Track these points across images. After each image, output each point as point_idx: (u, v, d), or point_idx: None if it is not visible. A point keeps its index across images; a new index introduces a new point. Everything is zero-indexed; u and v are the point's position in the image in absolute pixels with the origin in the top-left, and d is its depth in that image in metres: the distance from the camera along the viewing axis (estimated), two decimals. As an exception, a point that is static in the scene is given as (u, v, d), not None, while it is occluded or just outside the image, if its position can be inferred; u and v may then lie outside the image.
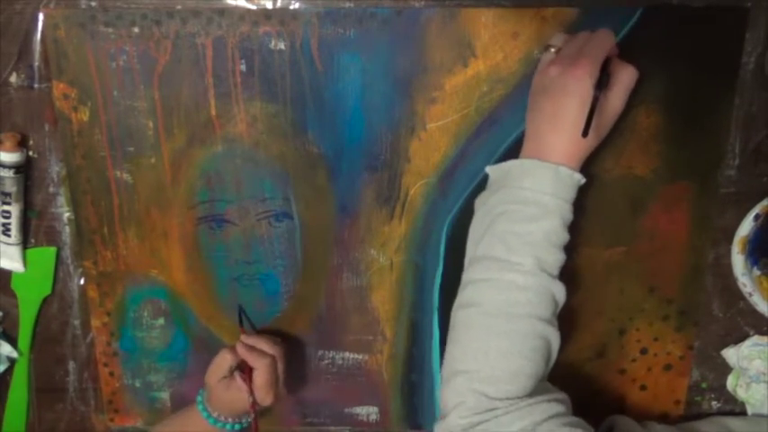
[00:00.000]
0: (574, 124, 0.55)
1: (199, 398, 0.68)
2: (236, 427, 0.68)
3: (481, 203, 0.60)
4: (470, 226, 0.61)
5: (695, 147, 0.65)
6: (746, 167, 0.66)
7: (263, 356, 0.66)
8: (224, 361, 0.66)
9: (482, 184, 0.62)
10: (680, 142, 0.65)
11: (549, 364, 0.59)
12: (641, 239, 0.68)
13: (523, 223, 0.56)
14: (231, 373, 0.66)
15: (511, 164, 0.58)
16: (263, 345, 0.67)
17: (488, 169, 0.61)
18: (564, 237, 0.57)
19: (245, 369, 0.66)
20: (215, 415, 0.67)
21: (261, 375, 0.65)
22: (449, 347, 0.59)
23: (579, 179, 0.57)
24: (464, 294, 0.58)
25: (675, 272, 0.70)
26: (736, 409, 0.75)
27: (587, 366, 0.74)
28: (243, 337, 0.68)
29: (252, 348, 0.67)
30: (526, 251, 0.56)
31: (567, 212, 0.57)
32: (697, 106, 0.64)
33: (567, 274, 0.69)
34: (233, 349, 0.67)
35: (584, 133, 0.54)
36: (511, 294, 0.56)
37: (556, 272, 0.58)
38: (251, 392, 0.65)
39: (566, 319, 0.71)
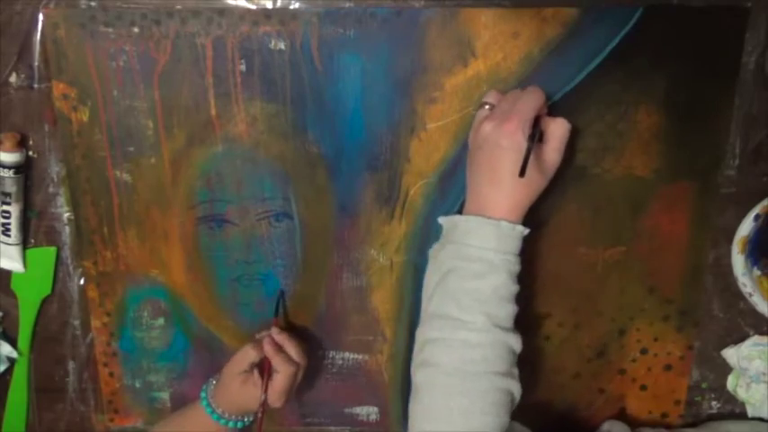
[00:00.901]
0: (510, 178, 0.57)
1: (203, 393, 0.68)
2: (239, 424, 0.68)
3: (433, 256, 0.61)
4: (425, 276, 0.62)
5: (695, 147, 0.65)
6: (746, 167, 0.66)
7: (289, 363, 0.65)
8: (247, 356, 0.66)
9: None
10: (680, 142, 0.65)
11: (512, 410, 0.60)
12: (641, 239, 0.68)
13: (471, 280, 0.57)
14: (252, 369, 0.66)
15: (457, 219, 0.60)
16: (292, 350, 0.67)
17: (440, 220, 0.62)
18: (513, 289, 0.59)
19: (265, 366, 0.65)
20: (219, 411, 0.66)
21: (281, 380, 0.65)
22: (412, 405, 0.59)
23: (522, 231, 0.58)
24: (422, 354, 0.59)
25: (675, 272, 0.70)
26: (736, 409, 0.75)
27: (587, 366, 0.73)
28: (274, 332, 0.67)
29: (279, 349, 0.66)
30: (476, 308, 0.57)
31: (513, 265, 0.58)
32: (697, 106, 0.64)
33: (568, 274, 0.70)
34: (257, 346, 0.66)
35: (521, 173, 0.55)
36: (466, 353, 0.57)
37: (509, 324, 0.59)
38: (265, 391, 0.65)
39: (565, 319, 0.72)
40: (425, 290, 0.62)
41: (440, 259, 0.60)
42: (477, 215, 0.58)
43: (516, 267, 0.59)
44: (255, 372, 0.66)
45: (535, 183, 0.58)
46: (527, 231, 0.59)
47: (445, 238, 0.61)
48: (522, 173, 0.55)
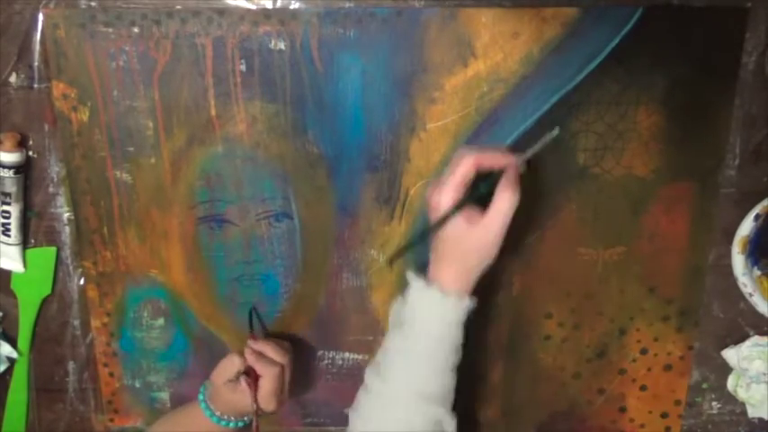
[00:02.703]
0: (449, 252, 0.58)
1: (201, 396, 0.68)
2: (239, 424, 0.68)
3: (395, 302, 0.62)
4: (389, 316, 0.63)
5: (695, 147, 0.66)
6: (746, 167, 0.66)
7: (271, 365, 0.66)
8: (231, 365, 0.66)
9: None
10: (680, 142, 0.65)
11: None
12: (641, 239, 0.68)
13: (408, 341, 0.59)
14: (238, 377, 0.66)
15: (414, 279, 0.60)
16: (272, 352, 0.67)
17: (407, 275, 0.62)
18: (452, 359, 0.59)
19: (251, 374, 0.65)
20: (217, 413, 0.66)
21: (267, 384, 0.65)
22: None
23: (467, 304, 0.59)
24: (358, 392, 0.62)
25: (675, 272, 0.70)
26: (736, 409, 0.75)
27: (587, 366, 0.73)
28: (251, 343, 0.67)
29: (260, 355, 0.66)
30: (402, 376, 0.59)
31: (454, 337, 0.59)
32: (697, 106, 0.64)
33: (568, 274, 0.70)
34: (241, 353, 0.66)
35: (390, 262, 0.58)
36: (385, 414, 0.59)
37: (439, 395, 0.59)
38: (255, 399, 0.65)
39: (565, 319, 0.72)
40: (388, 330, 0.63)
41: (393, 311, 0.62)
42: (428, 282, 0.59)
43: (458, 338, 0.59)
44: (243, 379, 0.65)
45: (477, 257, 0.58)
46: (473, 305, 0.59)
47: (406, 293, 0.62)
48: (390, 262, 0.58)
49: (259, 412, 0.65)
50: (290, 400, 0.75)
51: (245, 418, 0.68)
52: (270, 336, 0.72)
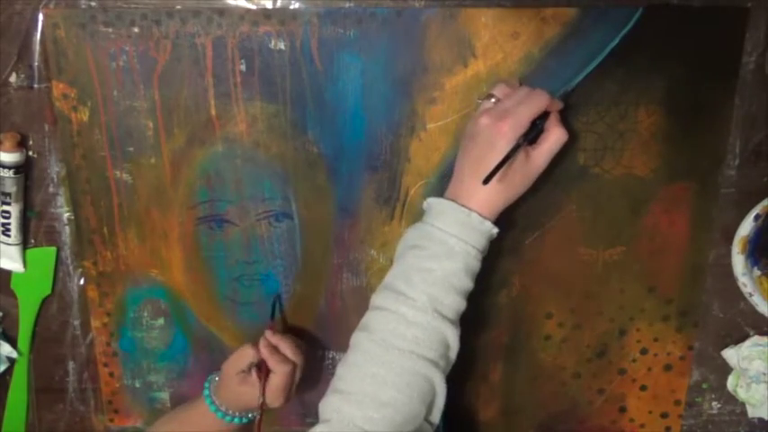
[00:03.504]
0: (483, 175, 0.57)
1: (206, 391, 0.68)
2: (244, 420, 0.68)
3: (404, 233, 0.62)
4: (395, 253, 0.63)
5: (695, 147, 0.66)
6: (746, 167, 0.66)
7: (284, 362, 0.65)
8: (245, 356, 0.66)
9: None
10: (680, 142, 0.65)
11: (433, 410, 0.59)
12: (641, 239, 0.68)
13: (427, 260, 0.58)
14: (250, 369, 0.66)
15: (433, 201, 0.60)
16: (287, 349, 0.67)
17: (423, 204, 0.62)
18: (466, 283, 0.59)
19: (262, 367, 0.65)
20: (222, 408, 0.66)
21: (277, 380, 0.65)
22: (338, 365, 0.60)
23: (490, 229, 0.58)
24: (363, 318, 0.60)
25: (675, 272, 0.70)
26: (736, 409, 0.75)
27: (587, 366, 0.74)
28: (268, 334, 0.67)
29: (275, 350, 0.66)
30: (422, 288, 0.57)
31: (472, 259, 0.58)
32: (697, 106, 0.64)
33: (568, 274, 0.70)
34: (256, 345, 0.66)
35: (485, 181, 0.56)
36: (398, 327, 0.57)
37: (452, 315, 0.59)
38: (263, 393, 0.65)
39: (565, 319, 0.72)
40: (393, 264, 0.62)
41: (407, 236, 0.61)
42: (451, 200, 0.59)
43: (475, 264, 0.59)
44: (253, 372, 0.66)
45: (514, 186, 0.59)
46: (496, 231, 0.59)
47: (420, 220, 0.61)
48: (486, 181, 0.56)
49: (264, 407, 0.65)
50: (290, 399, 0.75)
51: (250, 415, 0.68)
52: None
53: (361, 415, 0.56)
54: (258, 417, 0.65)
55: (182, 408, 0.71)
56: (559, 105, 0.60)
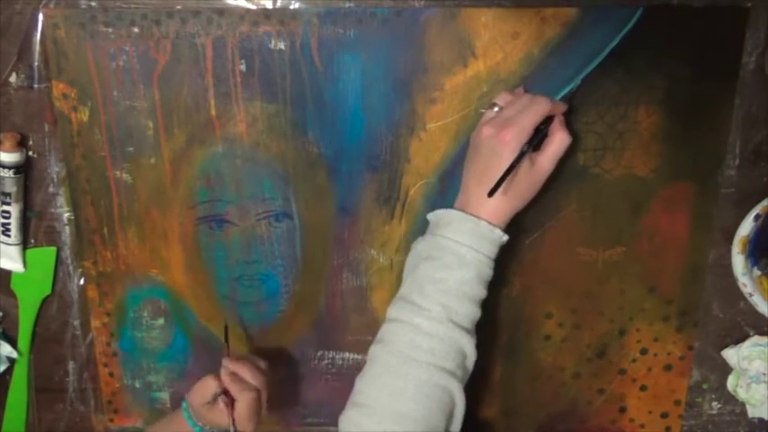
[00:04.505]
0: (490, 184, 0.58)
1: (184, 404, 0.67)
2: None
3: (414, 246, 0.62)
4: (405, 264, 0.63)
5: (695, 147, 0.66)
6: (746, 167, 0.66)
7: (246, 389, 0.64)
8: (208, 388, 0.64)
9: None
10: (680, 142, 0.65)
11: (453, 421, 0.59)
12: (641, 239, 0.68)
13: (440, 271, 0.58)
14: (215, 399, 0.65)
15: (441, 212, 0.60)
16: (247, 374, 0.65)
17: (428, 216, 0.62)
18: (479, 291, 0.59)
19: (228, 394, 0.64)
20: (200, 424, 0.66)
21: (243, 407, 0.64)
22: (357, 378, 0.60)
23: (500, 236, 0.59)
24: (379, 331, 0.60)
25: (675, 272, 0.70)
26: (736, 409, 0.75)
27: (587, 366, 0.74)
28: (226, 362, 0.65)
29: (236, 377, 0.64)
30: (436, 298, 0.58)
31: (484, 267, 0.59)
32: (697, 106, 0.64)
33: (568, 274, 0.70)
34: (217, 376, 0.65)
35: (490, 193, 0.57)
36: (415, 338, 0.57)
37: (467, 324, 0.59)
38: (233, 421, 0.64)
39: (565, 319, 0.72)
40: (404, 276, 0.63)
41: (418, 248, 0.61)
42: (460, 210, 0.59)
43: (487, 271, 0.59)
44: (221, 400, 0.64)
45: (521, 194, 0.59)
46: (506, 239, 0.59)
47: (429, 230, 0.62)
48: (491, 193, 0.56)
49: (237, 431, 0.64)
50: (290, 400, 0.75)
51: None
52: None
53: (381, 429, 0.56)
54: None
55: (165, 419, 0.70)
56: (563, 108, 0.61)
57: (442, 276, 0.58)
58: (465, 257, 0.58)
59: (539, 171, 0.59)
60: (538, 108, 0.58)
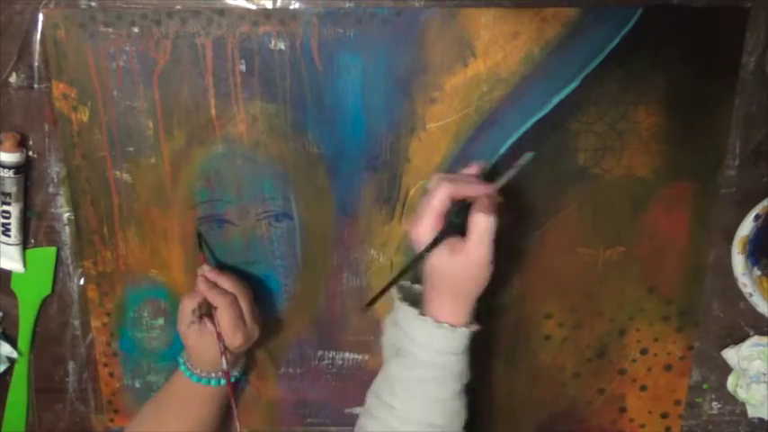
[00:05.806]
0: (439, 284, 0.58)
1: (180, 359, 0.68)
2: (222, 382, 0.67)
3: (386, 327, 0.63)
4: (383, 337, 0.63)
5: (695, 147, 0.66)
6: (746, 167, 0.66)
7: (223, 295, 0.64)
8: (187, 306, 0.65)
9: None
10: (680, 142, 0.65)
11: None
12: (641, 239, 0.68)
13: (405, 370, 0.59)
14: (196, 314, 0.65)
15: (407, 312, 0.60)
16: (225, 282, 0.66)
17: (395, 302, 0.62)
18: (452, 386, 0.59)
19: (212, 313, 0.65)
20: (197, 372, 0.66)
21: (224, 314, 0.64)
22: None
23: (465, 332, 0.59)
24: (360, 416, 0.62)
25: (675, 272, 0.70)
26: (736, 409, 0.75)
27: (587, 366, 0.73)
28: (204, 269, 0.66)
29: (213, 285, 0.65)
30: (406, 399, 0.59)
31: (453, 364, 0.59)
32: (697, 106, 0.64)
33: (568, 274, 0.70)
34: (192, 292, 0.66)
35: (365, 307, 0.58)
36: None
37: (441, 421, 0.59)
38: (218, 333, 0.64)
39: (565, 319, 0.72)
40: (383, 352, 0.63)
41: (389, 336, 0.62)
42: (422, 314, 0.59)
43: (460, 366, 0.59)
44: (205, 320, 0.65)
45: (469, 287, 0.58)
46: (475, 329, 0.59)
47: (397, 314, 0.62)
48: (367, 306, 0.58)
49: (226, 346, 0.65)
50: (289, 400, 0.75)
51: (220, 373, 0.67)
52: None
53: None
54: (224, 359, 0.64)
55: (164, 386, 0.70)
56: (483, 190, 0.57)
57: (412, 377, 0.59)
58: (433, 362, 0.58)
59: (471, 258, 0.56)
60: (434, 196, 0.57)
